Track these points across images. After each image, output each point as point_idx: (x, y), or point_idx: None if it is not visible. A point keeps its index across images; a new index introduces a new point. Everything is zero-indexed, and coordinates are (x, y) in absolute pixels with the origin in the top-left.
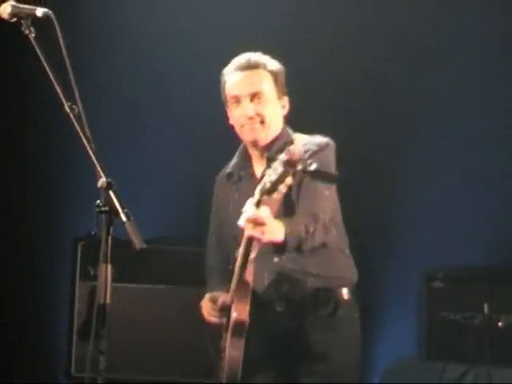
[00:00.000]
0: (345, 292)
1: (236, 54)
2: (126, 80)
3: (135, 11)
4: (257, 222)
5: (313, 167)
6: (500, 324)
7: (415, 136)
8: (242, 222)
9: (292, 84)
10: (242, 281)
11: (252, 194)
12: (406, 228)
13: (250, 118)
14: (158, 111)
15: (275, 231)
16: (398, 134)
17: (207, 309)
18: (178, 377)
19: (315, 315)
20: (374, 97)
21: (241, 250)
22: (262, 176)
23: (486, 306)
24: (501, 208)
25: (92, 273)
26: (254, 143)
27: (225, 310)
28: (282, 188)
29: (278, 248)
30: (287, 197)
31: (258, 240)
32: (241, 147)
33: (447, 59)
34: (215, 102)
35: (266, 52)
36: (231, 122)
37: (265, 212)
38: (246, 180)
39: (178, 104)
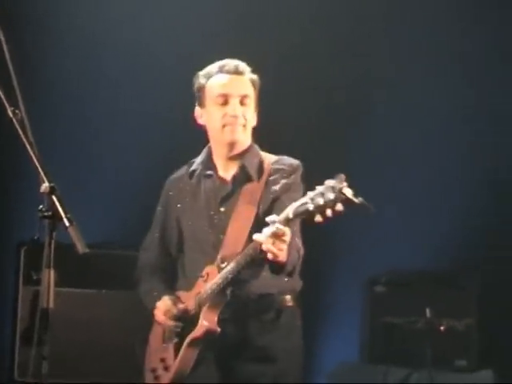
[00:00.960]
0: (288, 299)
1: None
2: (74, 79)
3: (84, 9)
4: (281, 239)
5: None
6: (442, 328)
7: (364, 141)
8: (264, 235)
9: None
10: (222, 291)
11: (215, 197)
12: (352, 232)
13: (236, 118)
14: (105, 112)
15: (286, 252)
16: (346, 137)
17: (166, 310)
18: (122, 380)
19: (258, 321)
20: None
21: (239, 260)
22: (235, 181)
23: (427, 310)
24: (442, 215)
25: (35, 277)
26: (232, 145)
27: (182, 317)
28: (328, 213)
29: (277, 269)
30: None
31: (275, 256)
32: (206, 149)
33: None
34: (165, 103)
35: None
36: (205, 122)
37: (289, 231)
38: (210, 182)
39: (128, 104)
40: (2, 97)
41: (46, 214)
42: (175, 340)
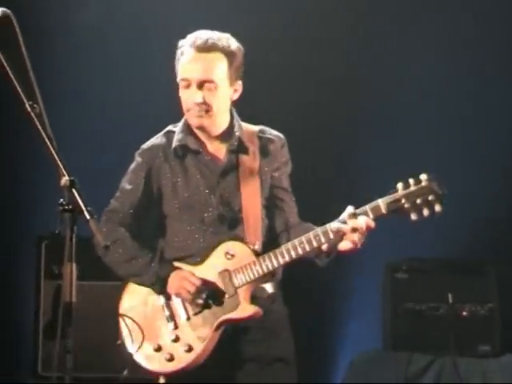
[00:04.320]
0: (268, 286)
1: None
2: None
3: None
4: (364, 233)
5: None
6: (464, 313)
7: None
8: (347, 226)
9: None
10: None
11: (211, 171)
12: None
13: (197, 105)
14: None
15: None
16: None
17: (187, 283)
18: (147, 374)
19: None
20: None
21: (298, 246)
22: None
23: (449, 296)
24: (463, 202)
25: (57, 272)
26: (200, 129)
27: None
28: (425, 213)
29: (325, 257)
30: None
31: (355, 248)
32: (185, 122)
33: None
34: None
35: None
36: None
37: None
38: (200, 157)
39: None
40: (20, 91)
41: (66, 207)
42: (185, 316)
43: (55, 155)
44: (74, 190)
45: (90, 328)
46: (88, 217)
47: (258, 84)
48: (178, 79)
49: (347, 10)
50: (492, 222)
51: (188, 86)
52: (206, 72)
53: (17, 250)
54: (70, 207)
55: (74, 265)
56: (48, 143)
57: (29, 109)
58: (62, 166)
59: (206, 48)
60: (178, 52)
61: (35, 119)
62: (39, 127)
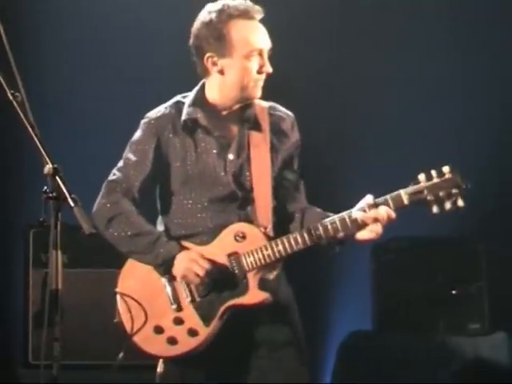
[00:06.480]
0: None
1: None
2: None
3: None
4: (384, 224)
5: None
6: (454, 292)
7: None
8: (367, 215)
9: None
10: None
11: (221, 150)
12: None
13: (265, 75)
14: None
15: None
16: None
17: (196, 265)
18: (137, 360)
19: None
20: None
21: (313, 235)
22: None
23: (438, 276)
24: None
25: (45, 260)
26: (248, 101)
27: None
28: (447, 206)
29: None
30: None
31: (374, 239)
32: (199, 93)
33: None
34: None
35: None
36: (225, 73)
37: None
38: (212, 130)
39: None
40: (1, 80)
41: (50, 195)
42: (189, 298)
43: (38, 143)
44: (57, 178)
45: (79, 315)
46: (72, 204)
47: None
48: (243, 49)
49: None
50: (480, 199)
51: (259, 56)
52: (269, 42)
53: (5, 239)
54: (54, 195)
55: (60, 252)
56: (30, 131)
57: (11, 97)
58: (45, 154)
59: (259, 18)
60: (220, 25)
61: (17, 107)
62: (21, 115)
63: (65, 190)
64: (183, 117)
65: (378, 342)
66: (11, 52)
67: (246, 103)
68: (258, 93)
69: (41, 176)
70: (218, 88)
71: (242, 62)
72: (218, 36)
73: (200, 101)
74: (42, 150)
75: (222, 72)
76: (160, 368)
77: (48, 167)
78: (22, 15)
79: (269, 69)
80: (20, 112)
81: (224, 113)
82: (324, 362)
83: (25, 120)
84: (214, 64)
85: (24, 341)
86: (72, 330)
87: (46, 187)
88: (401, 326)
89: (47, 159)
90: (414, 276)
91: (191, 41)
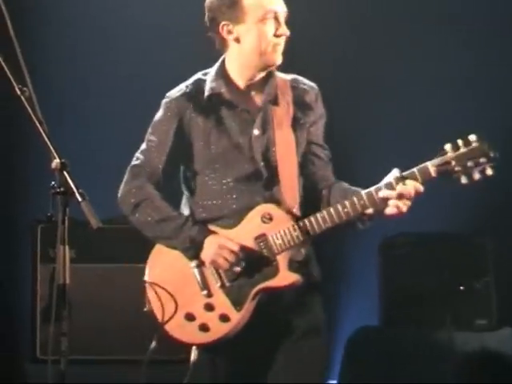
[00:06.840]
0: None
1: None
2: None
3: None
4: (411, 198)
5: None
6: (461, 288)
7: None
8: (394, 192)
9: None
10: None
11: (246, 126)
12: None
13: (283, 39)
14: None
15: None
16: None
17: (225, 251)
18: (144, 355)
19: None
20: None
21: (340, 213)
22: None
23: (446, 271)
24: None
25: (52, 255)
26: (271, 67)
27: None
28: (476, 176)
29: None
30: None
31: (402, 214)
32: (220, 68)
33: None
34: None
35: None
36: (241, 41)
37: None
38: (235, 105)
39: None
40: (10, 75)
41: (58, 190)
42: (219, 284)
43: (46, 138)
44: (65, 173)
45: (87, 310)
46: (80, 199)
47: None
48: (258, 13)
49: None
50: (488, 195)
51: (276, 20)
52: (283, 6)
53: (12, 235)
54: (62, 190)
55: (67, 247)
56: (38, 126)
57: (18, 92)
58: (52, 149)
59: None
60: None
61: (25, 102)
62: (29, 110)
63: (72, 185)
64: (206, 92)
65: (385, 337)
66: (19, 48)
67: (267, 71)
68: (278, 58)
69: (46, 172)
70: (236, 58)
71: (256, 27)
72: (230, 3)
73: (222, 75)
74: (49, 145)
75: (238, 40)
76: (194, 356)
77: (56, 162)
78: (25, 11)
79: (286, 31)
80: (28, 107)
81: (247, 84)
82: (332, 357)
83: (33, 115)
84: (230, 32)
85: (32, 336)
86: (80, 325)
87: (53, 182)
88: (408, 321)
89: (55, 154)
90: (421, 272)
91: (206, 16)
